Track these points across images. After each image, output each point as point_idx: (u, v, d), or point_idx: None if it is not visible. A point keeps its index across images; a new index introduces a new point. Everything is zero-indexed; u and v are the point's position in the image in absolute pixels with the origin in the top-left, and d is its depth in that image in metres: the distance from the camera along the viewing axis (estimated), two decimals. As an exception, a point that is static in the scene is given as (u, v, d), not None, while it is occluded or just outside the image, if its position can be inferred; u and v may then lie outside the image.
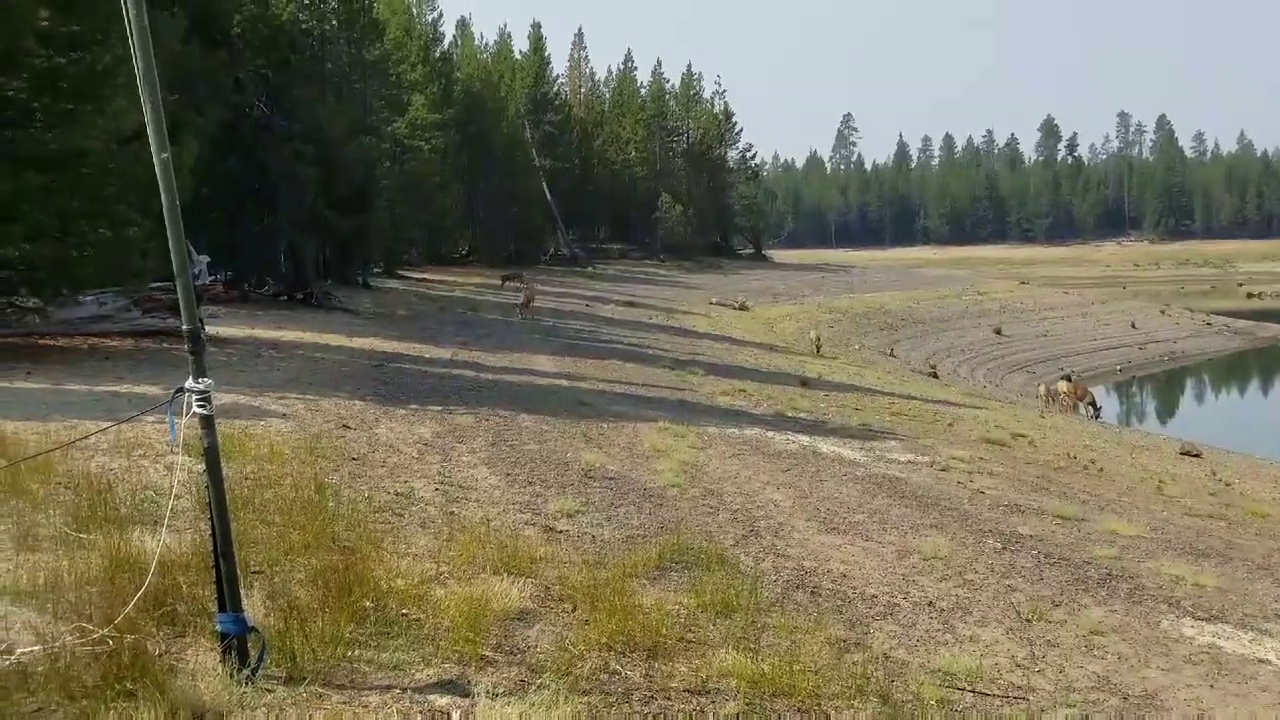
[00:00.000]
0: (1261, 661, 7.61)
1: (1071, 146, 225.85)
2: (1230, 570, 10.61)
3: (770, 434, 16.89)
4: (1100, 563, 10.03)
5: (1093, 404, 39.06)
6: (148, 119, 4.59)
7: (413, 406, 15.69)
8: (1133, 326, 69.17)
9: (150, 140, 4.59)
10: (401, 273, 54.83)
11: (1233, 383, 58.66)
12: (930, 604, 8.16)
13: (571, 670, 5.81)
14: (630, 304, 53.49)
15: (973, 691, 6.46)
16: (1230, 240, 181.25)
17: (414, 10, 69.42)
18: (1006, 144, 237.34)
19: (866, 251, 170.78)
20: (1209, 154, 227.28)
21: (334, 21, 49.01)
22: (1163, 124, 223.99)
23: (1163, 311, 78.57)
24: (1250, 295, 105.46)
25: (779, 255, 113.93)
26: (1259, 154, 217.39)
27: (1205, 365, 61.32)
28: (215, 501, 5.00)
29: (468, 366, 22.79)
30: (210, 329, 22.46)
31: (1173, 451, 25.56)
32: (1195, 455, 25.07)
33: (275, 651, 5.36)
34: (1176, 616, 8.48)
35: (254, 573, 6.62)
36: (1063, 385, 40.90)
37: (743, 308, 59.52)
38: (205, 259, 23.73)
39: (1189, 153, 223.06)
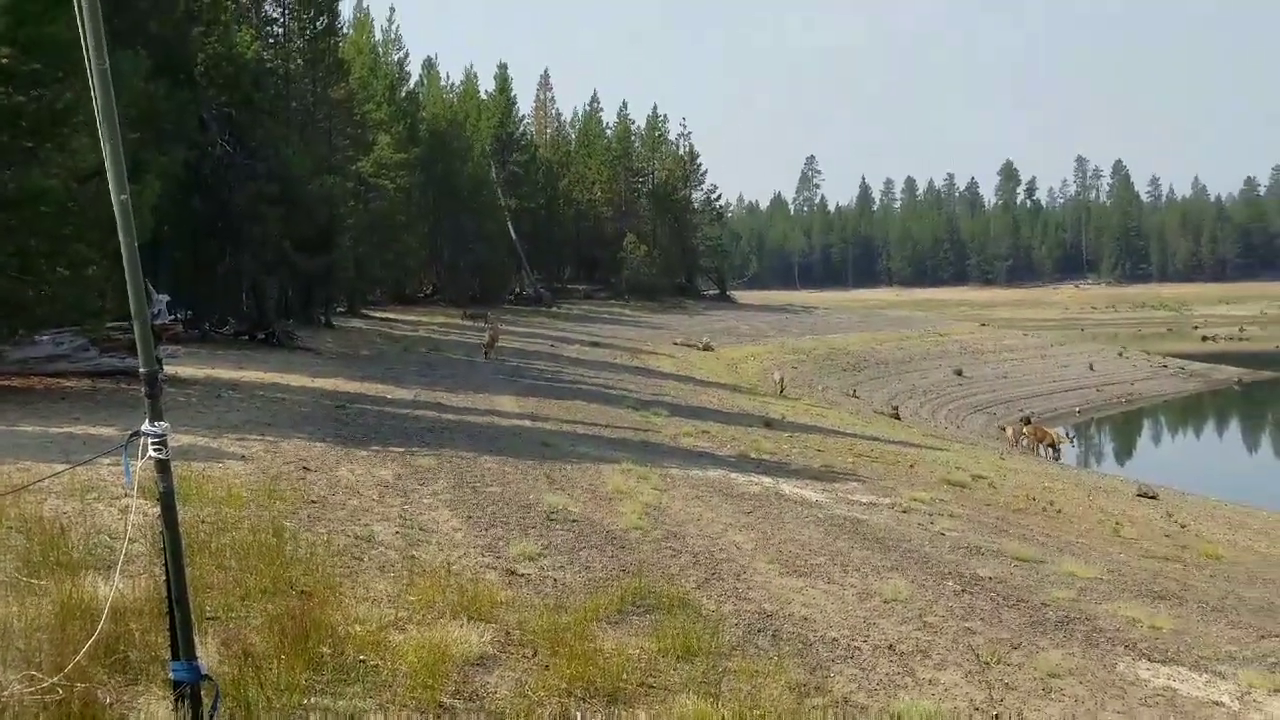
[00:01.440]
0: (1216, 704, 7.64)
1: (1030, 190, 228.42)
2: (1185, 612, 10.67)
3: (733, 475, 16.89)
4: (1058, 605, 10.07)
5: (1053, 445, 39.42)
6: (107, 160, 4.57)
7: (374, 448, 15.61)
8: (1091, 368, 69.79)
9: (110, 181, 4.57)
10: (365, 312, 54.69)
11: (1188, 424, 59.19)
12: (890, 647, 8.16)
13: (531, 716, 5.77)
14: (595, 344, 53.48)
15: (932, 736, 6.46)
16: (1185, 284, 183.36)
17: (380, 50, 69.38)
18: (967, 187, 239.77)
19: (829, 293, 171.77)
20: (1164, 199, 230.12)
21: (299, 60, 48.92)
22: (1119, 169, 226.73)
23: (1120, 354, 79.34)
24: (1205, 338, 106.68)
25: (743, 296, 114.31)
26: (1212, 199, 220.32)
27: (1161, 407, 61.87)
28: (170, 546, 4.94)
29: (431, 407, 22.70)
30: (170, 368, 22.27)
31: (1130, 493, 25.72)
32: (1152, 497, 25.24)
33: (229, 700, 5.29)
34: (1133, 659, 8.51)
35: (209, 619, 6.54)
36: (1024, 428, 41.31)
37: (707, 348, 59.59)
38: (165, 298, 23.54)
39: (1145, 197, 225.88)
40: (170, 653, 5.15)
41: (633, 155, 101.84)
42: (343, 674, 5.97)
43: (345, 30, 59.39)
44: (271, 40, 46.92)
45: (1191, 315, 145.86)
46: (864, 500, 15.88)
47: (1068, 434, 39.76)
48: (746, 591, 9.42)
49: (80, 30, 4.39)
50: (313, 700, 5.54)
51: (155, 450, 4.83)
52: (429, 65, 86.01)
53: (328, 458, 14.22)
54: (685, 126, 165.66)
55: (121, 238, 4.61)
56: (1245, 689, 8.01)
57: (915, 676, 7.57)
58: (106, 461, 10.52)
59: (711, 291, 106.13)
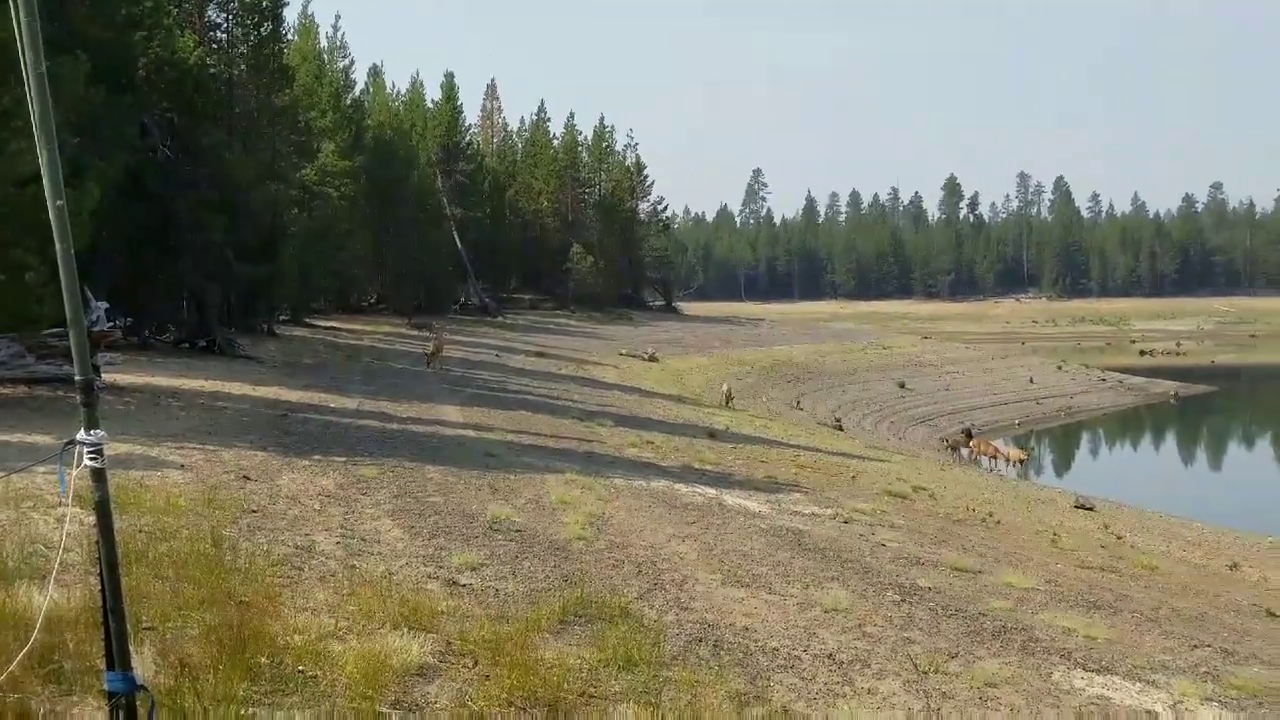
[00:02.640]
0: (1149, 713, 7.74)
1: (973, 205, 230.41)
2: (1120, 622, 10.81)
3: (677, 486, 16.93)
4: (996, 615, 10.17)
5: (1020, 461, 39.96)
6: (43, 166, 4.53)
7: (316, 457, 15.51)
8: (1031, 381, 70.52)
9: (45, 186, 4.53)
10: (309, 321, 54.28)
11: (1125, 438, 59.95)
12: (830, 656, 8.21)
13: (470, 726, 5.77)
14: (540, 354, 53.40)
15: (870, 745, 6.51)
16: (1124, 299, 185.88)
17: (325, 57, 69.02)
18: (911, 201, 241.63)
19: (775, 305, 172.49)
20: (1104, 215, 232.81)
21: (242, 66, 48.48)
22: (1060, 185, 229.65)
23: (1060, 367, 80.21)
24: (1143, 352, 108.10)
25: (689, 307, 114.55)
26: (1151, 215, 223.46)
27: (1100, 420, 62.61)
28: (105, 556, 4.89)
29: (374, 416, 22.58)
30: (109, 376, 22.06)
31: (1068, 505, 26.00)
32: (1089, 509, 25.53)
33: (165, 710, 5.24)
34: (1068, 668, 8.61)
35: (145, 629, 6.49)
36: (973, 442, 41.78)
37: (652, 359, 59.67)
38: (104, 305, 23.27)
39: (1085, 213, 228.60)
40: (105, 663, 5.10)
41: (579, 166, 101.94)
42: (281, 684, 5.94)
43: (290, 37, 58.93)
44: (215, 46, 46.43)
45: (1130, 330, 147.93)
46: (806, 511, 15.96)
47: (1026, 447, 40.19)
48: (688, 601, 9.44)
49: (16, 33, 4.35)
50: (250, 711, 5.51)
51: (91, 459, 4.79)
52: (375, 73, 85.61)
53: (269, 467, 14.12)
54: (632, 138, 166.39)
55: (58, 243, 4.57)
56: (1178, 698, 8.12)
57: (854, 686, 7.62)
58: (42, 470, 10.40)
59: (658, 303, 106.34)
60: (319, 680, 6.09)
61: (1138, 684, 8.42)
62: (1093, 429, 60.57)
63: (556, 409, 29.26)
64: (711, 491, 16.68)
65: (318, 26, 68.22)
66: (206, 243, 33.28)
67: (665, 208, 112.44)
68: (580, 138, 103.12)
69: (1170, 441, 58.37)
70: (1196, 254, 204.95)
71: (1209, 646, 10.27)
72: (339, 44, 72.00)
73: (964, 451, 43.55)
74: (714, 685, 7.07)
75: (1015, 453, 40.45)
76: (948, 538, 15.82)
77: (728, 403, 42.34)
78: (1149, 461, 51.88)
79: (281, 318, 49.27)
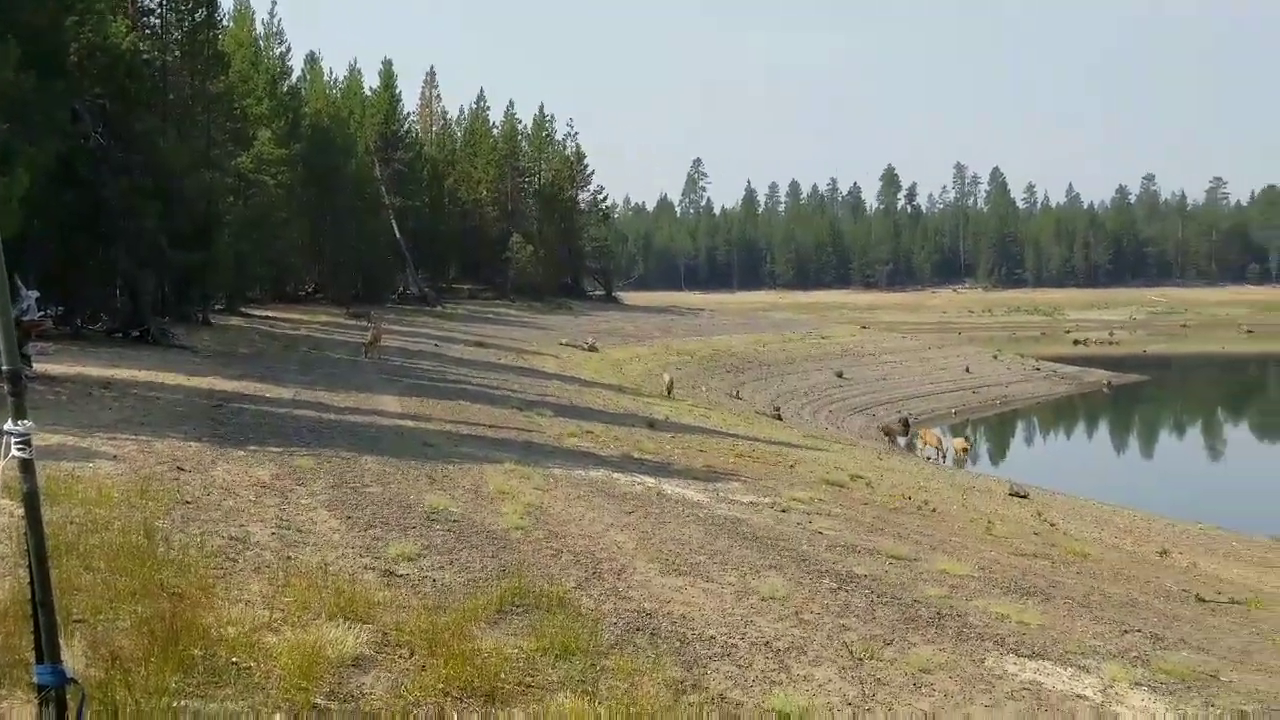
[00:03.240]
0: (1079, 697, 7.85)
1: (911, 196, 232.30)
2: (1052, 608, 10.95)
3: (616, 475, 16.95)
4: (930, 602, 10.27)
5: (938, 445, 40.30)
6: (-30, 154, 4.47)
7: (252, 448, 15.38)
8: (967, 371, 71.21)
9: (-28, 175, 4.47)
10: (245, 310, 53.76)
11: (1059, 426, 60.76)
12: (767, 644, 8.25)
13: (407, 717, 5.75)
14: (480, 344, 53.21)
15: (804, 731, 6.56)
16: (1059, 289, 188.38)
17: (261, 43, 68.36)
18: (850, 192, 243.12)
19: (715, 295, 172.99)
20: (1039, 205, 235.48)
21: (176, 52, 47.99)
22: (996, 176, 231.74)
23: (995, 357, 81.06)
24: (1076, 342, 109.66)
25: (629, 297, 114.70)
26: (1085, 206, 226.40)
27: (1034, 408, 63.39)
28: (34, 548, 4.83)
29: (311, 407, 22.42)
30: (39, 366, 21.75)
31: (1002, 492, 26.29)
32: (1023, 496, 25.84)
33: (96, 704, 5.19)
34: (1001, 654, 8.71)
35: (76, 621, 6.41)
36: (922, 430, 42.21)
37: (592, 349, 59.65)
38: (34, 294, 22.86)
39: (1021, 204, 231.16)
40: (35, 656, 5.04)
41: (519, 155, 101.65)
42: (214, 676, 5.89)
43: (225, 23, 58.44)
44: (148, 31, 45.94)
45: (1064, 320, 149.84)
46: (745, 500, 16.03)
47: (966, 437, 40.56)
48: (626, 590, 9.46)
49: (-57, 19, 4.29)
50: (183, 703, 5.46)
51: (19, 450, 4.73)
52: (312, 60, 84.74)
53: (203, 457, 13.99)
54: (572, 127, 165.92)
55: (-14, 231, 4.50)
56: (1108, 682, 8.25)
57: (790, 673, 7.67)
58: (-31, 461, 10.22)
59: (598, 292, 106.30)
60: (252, 672, 6.05)
61: (1069, 669, 8.53)
62: (1027, 418, 61.30)
63: (496, 399, 29.18)
64: (650, 481, 16.72)
65: (253, 13, 67.68)
66: (139, 230, 32.86)
67: (605, 197, 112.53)
68: (520, 126, 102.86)
69: (1103, 430, 59.21)
70: (1129, 245, 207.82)
71: (1139, 632, 10.42)
72: (275, 30, 71.32)
73: (900, 440, 43.95)
74: (651, 673, 7.09)
75: (957, 442, 40.85)
76: (884, 526, 15.95)
77: (668, 393, 42.40)
78: (1082, 450, 52.60)
79: (217, 307, 48.78)
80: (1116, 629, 10.40)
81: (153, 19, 47.20)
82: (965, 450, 39.52)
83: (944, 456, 40.36)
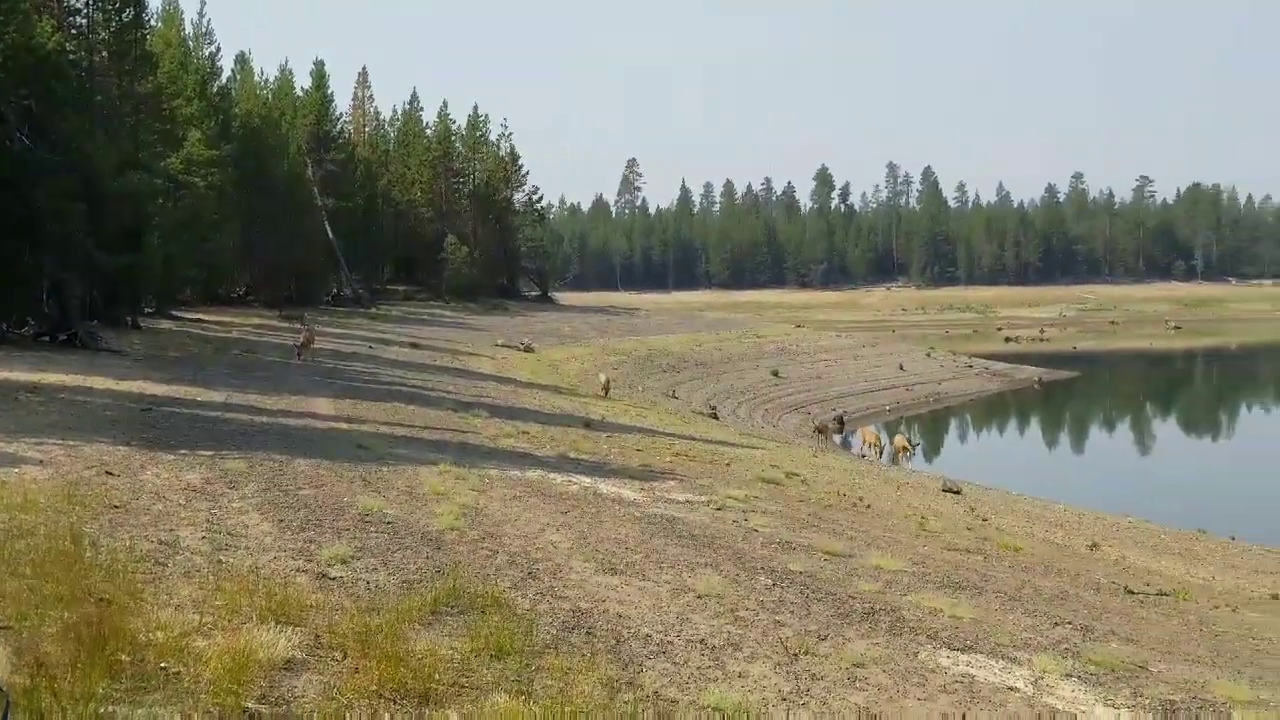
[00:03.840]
0: (1011, 689, 7.95)
1: (844, 195, 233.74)
2: (985, 602, 11.09)
3: (552, 476, 16.93)
4: (864, 597, 10.36)
5: (875, 444, 40.54)
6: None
7: (182, 452, 15.20)
8: (901, 369, 71.84)
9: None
10: (175, 313, 53.10)
11: (992, 422, 61.48)
12: (702, 641, 8.28)
13: (339, 719, 5.71)
14: (415, 346, 52.93)
15: (739, 727, 6.59)
16: (990, 287, 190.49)
17: (190, 43, 67.61)
18: (784, 191, 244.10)
19: (650, 295, 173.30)
20: (970, 204, 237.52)
21: (104, 52, 47.37)
22: (928, 175, 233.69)
23: (928, 354, 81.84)
24: (1008, 339, 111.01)
25: (565, 297, 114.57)
26: (1016, 204, 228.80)
27: (967, 405, 64.11)
28: (-44, 553, 4.77)
29: (243, 410, 22.19)
30: (-36, 371, 21.38)
31: (935, 488, 26.55)
32: (956, 492, 26.10)
33: (21, 711, 5.11)
34: (934, 647, 8.80)
35: (1, 628, 6.32)
36: (861, 430, 42.47)
37: (528, 350, 59.50)
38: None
39: (952, 203, 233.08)
40: (-42, 664, 4.97)
41: (453, 155, 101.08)
42: (143, 682, 5.82)
43: (153, 23, 57.79)
44: (74, 31, 45.31)
45: (995, 317, 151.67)
46: (681, 499, 16.07)
47: (909, 443, 40.75)
48: (562, 590, 9.46)
49: None
50: (110, 709, 5.39)
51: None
52: (242, 60, 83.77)
53: (132, 462, 13.80)
54: (506, 127, 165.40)
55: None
56: (1039, 674, 8.36)
57: (725, 669, 7.70)
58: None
59: (533, 293, 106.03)
60: (182, 677, 5.98)
61: (1001, 661, 8.64)
62: (960, 414, 61.95)
63: (431, 400, 29.04)
64: (587, 480, 16.71)
65: (182, 13, 66.97)
66: (66, 233, 32.35)
67: (540, 197, 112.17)
68: (454, 127, 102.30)
69: (1034, 426, 59.98)
70: (1059, 243, 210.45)
71: (1070, 624, 10.57)
72: (204, 30, 70.57)
73: (836, 438, 44.24)
74: (586, 672, 7.09)
75: (898, 440, 41.07)
76: (819, 522, 16.07)
77: (605, 393, 42.39)
78: (1014, 446, 53.26)
79: (146, 310, 48.15)
80: (1048, 621, 10.54)
81: (79, 19, 46.56)
82: (906, 449, 39.67)
83: (879, 453, 40.65)
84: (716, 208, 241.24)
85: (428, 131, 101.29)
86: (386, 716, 5.88)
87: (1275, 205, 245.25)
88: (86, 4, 46.77)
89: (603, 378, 45.65)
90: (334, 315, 67.44)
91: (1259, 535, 25.79)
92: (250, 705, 5.76)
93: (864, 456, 39.64)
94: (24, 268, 32.40)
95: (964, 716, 7.31)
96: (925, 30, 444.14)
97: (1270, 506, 32.75)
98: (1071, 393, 70.75)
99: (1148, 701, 8.06)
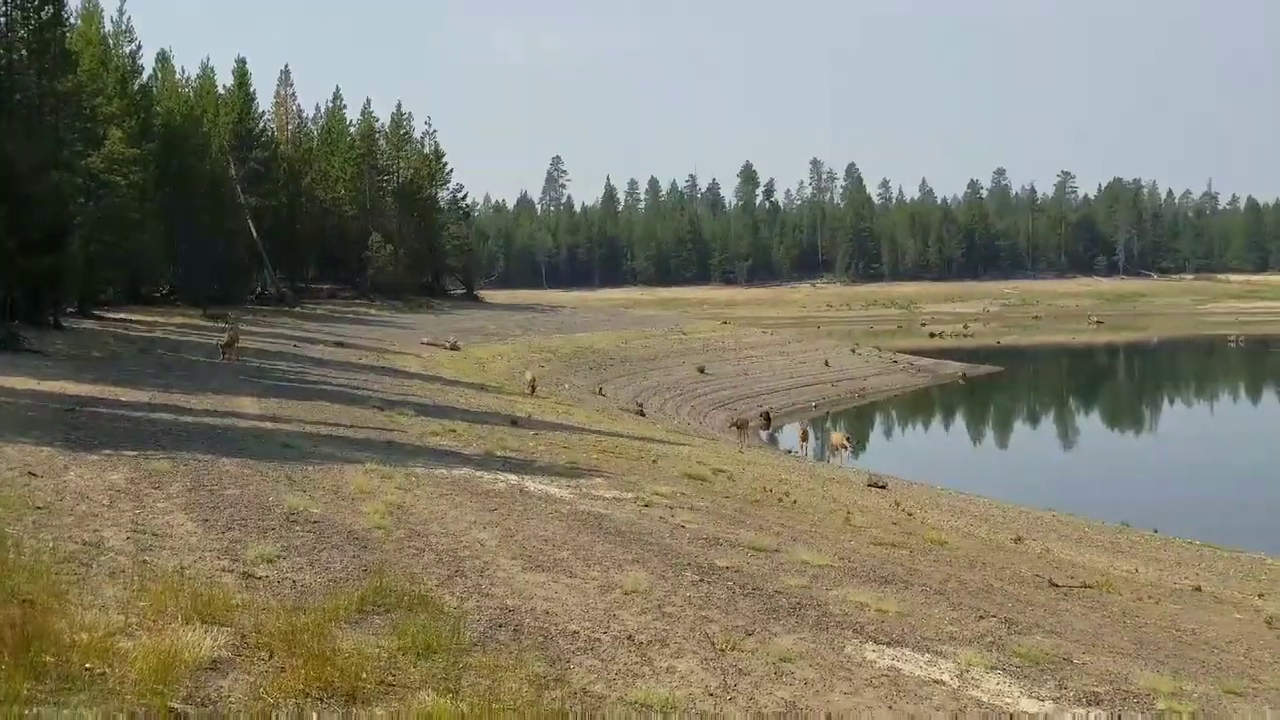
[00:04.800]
0: (936, 682, 8.09)
1: (769, 192, 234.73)
2: (910, 596, 11.24)
3: (479, 473, 16.93)
4: (791, 592, 10.48)
5: (803, 439, 40.73)
6: None
7: (106, 452, 15.03)
8: (826, 364, 72.32)
9: None
10: (98, 313, 52.34)
11: (917, 417, 62.07)
12: (630, 637, 8.35)
13: (266, 719, 5.72)
14: (340, 344, 52.52)
15: (667, 722, 6.67)
16: (914, 282, 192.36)
17: (110, 41, 66.62)
18: (709, 188, 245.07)
19: (576, 292, 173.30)
20: (894, 200, 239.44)
21: (22, 50, 46.63)
22: (852, 171, 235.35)
23: (854, 350, 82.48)
24: (932, 335, 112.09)
25: (491, 295, 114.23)
26: (938, 201, 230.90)
27: (893, 401, 64.70)
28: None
29: (167, 410, 21.93)
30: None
31: (861, 483, 26.79)
32: (882, 487, 26.35)
33: (-56, 712, 5.09)
34: (860, 641, 8.94)
35: (-78, 630, 6.25)
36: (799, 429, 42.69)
37: (454, 348, 59.24)
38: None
39: (876, 199, 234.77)
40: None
41: (377, 153, 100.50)
42: (67, 683, 5.79)
43: (73, 20, 56.94)
44: (-8, 30, 44.59)
45: (920, 313, 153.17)
46: (607, 495, 16.13)
47: (847, 440, 40.78)
48: (489, 588, 9.49)
49: None
50: (34, 710, 5.37)
51: None
52: (163, 58, 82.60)
53: (55, 462, 13.64)
54: (430, 125, 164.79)
55: None
56: (965, 667, 8.52)
57: (653, 665, 7.78)
58: None
59: (459, 291, 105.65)
60: (107, 677, 5.96)
61: (927, 655, 8.79)
62: (885, 410, 62.53)
63: (356, 399, 28.87)
64: (513, 478, 16.72)
65: (101, 10, 65.89)
66: (-14, 233, 31.86)
67: (465, 195, 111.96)
68: (378, 125, 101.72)
69: (959, 421, 60.67)
70: (981, 238, 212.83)
71: (994, 617, 10.76)
72: (125, 28, 69.47)
73: (761, 434, 44.48)
74: (514, 670, 7.15)
75: (837, 437, 41.11)
76: (745, 518, 16.19)
77: (531, 390, 42.31)
78: (939, 440, 53.84)
79: (69, 310, 47.46)
80: (973, 615, 10.72)
81: (-3, 16, 45.80)
82: (845, 446, 39.42)
83: (806, 450, 40.88)
84: (642, 205, 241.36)
85: (351, 129, 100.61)
86: (314, 716, 5.90)
87: (1194, 201, 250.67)
88: (4, 2, 46.00)
89: (529, 375, 45.58)
90: (258, 314, 66.76)
91: (1181, 529, 26.29)
92: (176, 705, 5.75)
93: (790, 452, 39.87)
94: (-59, 269, 31.86)
95: (890, 709, 7.44)
96: (844, 28, 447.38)
97: (1192, 500, 33.42)
98: (995, 387, 71.64)
99: (1072, 694, 8.24)
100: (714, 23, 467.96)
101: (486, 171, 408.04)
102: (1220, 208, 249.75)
